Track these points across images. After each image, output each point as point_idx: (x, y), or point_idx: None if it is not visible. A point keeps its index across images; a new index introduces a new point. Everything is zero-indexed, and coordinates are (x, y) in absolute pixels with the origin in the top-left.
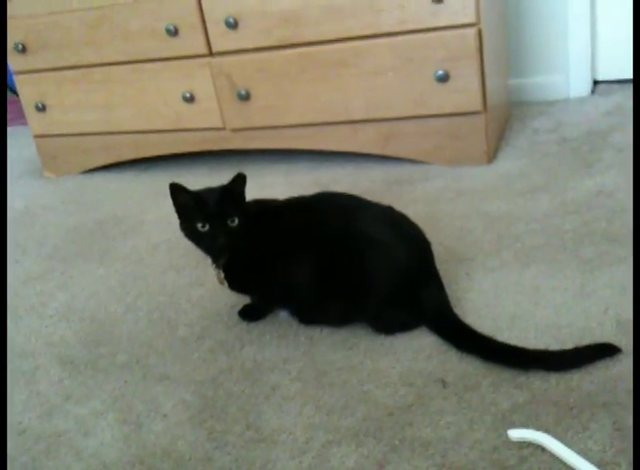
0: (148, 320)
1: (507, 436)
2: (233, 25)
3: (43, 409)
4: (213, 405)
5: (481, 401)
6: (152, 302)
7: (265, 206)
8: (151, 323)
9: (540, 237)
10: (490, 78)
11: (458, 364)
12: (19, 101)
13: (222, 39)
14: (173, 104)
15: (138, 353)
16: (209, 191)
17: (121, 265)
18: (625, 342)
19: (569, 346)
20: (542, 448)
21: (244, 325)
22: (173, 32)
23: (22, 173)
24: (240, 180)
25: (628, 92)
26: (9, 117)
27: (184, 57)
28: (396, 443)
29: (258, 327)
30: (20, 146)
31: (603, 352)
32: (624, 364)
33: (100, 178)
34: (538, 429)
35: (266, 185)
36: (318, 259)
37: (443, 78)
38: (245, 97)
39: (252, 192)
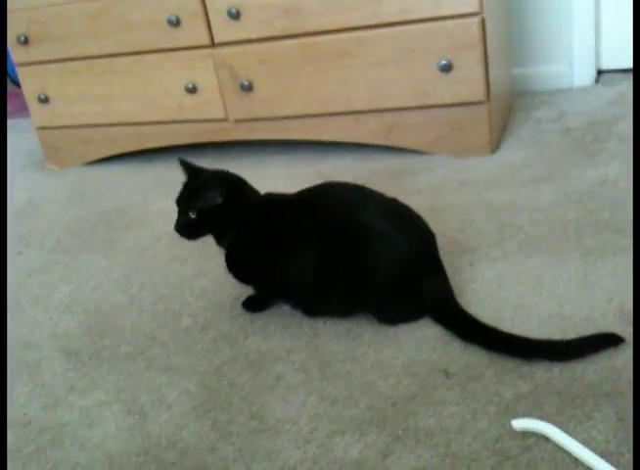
0: (151, 312)
1: (510, 426)
2: (235, 16)
3: (47, 401)
4: (217, 396)
5: (485, 392)
6: (155, 293)
7: (269, 197)
8: (154, 314)
9: (543, 227)
10: (493, 68)
11: (461, 355)
12: (21, 93)
13: (224, 30)
14: (176, 95)
15: (142, 345)
16: (202, 172)
17: (125, 257)
18: (629, 332)
19: (572, 336)
20: (546, 438)
21: (247, 316)
22: (175, 23)
23: (24, 166)
24: (208, 187)
25: (632, 82)
26: (11, 109)
27: (186, 48)
28: (400, 433)
29: (262, 318)
30: (22, 138)
31: (606, 342)
32: (628, 354)
33: (103, 170)
34: (542, 419)
35: (268, 176)
36: (321, 250)
37: (446, 68)
38: (247, 88)
39: (255, 183)
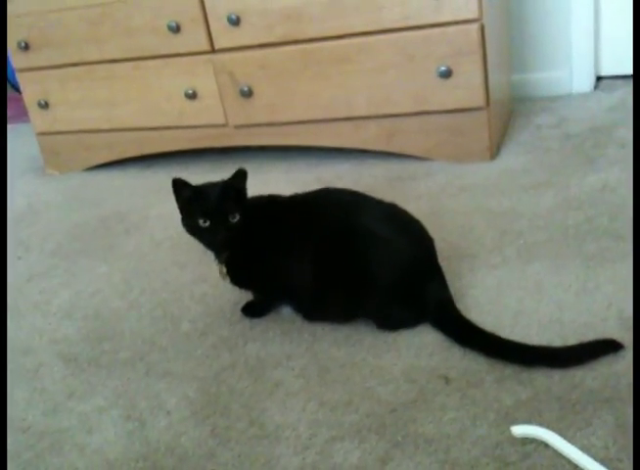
0: (151, 317)
1: (510, 432)
2: (235, 22)
3: (47, 406)
4: (216, 402)
5: (485, 398)
6: (155, 298)
7: (268, 201)
8: (154, 320)
9: (543, 233)
10: (493, 74)
11: (461, 361)
12: (21, 98)
13: (224, 36)
14: (176, 101)
15: (141, 350)
16: (211, 186)
17: (125, 262)
18: (628, 338)
19: (572, 342)
20: (545, 445)
21: (247, 322)
22: (175, 29)
23: (24, 171)
24: (241, 176)
25: (631, 88)
26: (11, 114)
27: (186, 54)
28: (399, 439)
29: (261, 324)
30: (22, 143)
31: (606, 348)
32: (627, 360)
33: (103, 175)
34: (541, 425)
35: (269, 182)
36: (320, 256)
37: (446, 74)
38: (247, 94)
39: (255, 188)
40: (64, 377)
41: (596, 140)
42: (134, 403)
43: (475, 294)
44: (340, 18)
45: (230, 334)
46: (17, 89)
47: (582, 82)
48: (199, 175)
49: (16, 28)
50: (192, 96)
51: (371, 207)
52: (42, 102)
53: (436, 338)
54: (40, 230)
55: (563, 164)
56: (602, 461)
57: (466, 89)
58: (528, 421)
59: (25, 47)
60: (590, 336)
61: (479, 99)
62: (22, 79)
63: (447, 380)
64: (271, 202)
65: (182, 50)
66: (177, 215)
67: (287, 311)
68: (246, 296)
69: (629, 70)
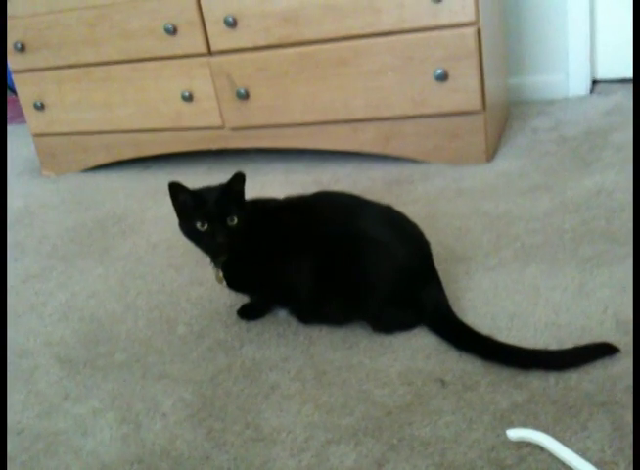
0: (147, 319)
1: (506, 435)
2: (232, 24)
3: (42, 409)
4: (212, 404)
5: (480, 401)
6: (151, 301)
7: (264, 205)
8: (150, 322)
9: (540, 236)
10: (489, 78)
11: (457, 364)
12: (17, 100)
13: (221, 38)
14: (173, 103)
15: (137, 352)
16: (209, 190)
17: (121, 264)
18: (624, 341)
19: (568, 345)
20: (541, 448)
21: (243, 324)
22: (172, 31)
23: (21, 172)
24: (239, 179)
25: (627, 91)
26: (8, 115)
27: (183, 56)
28: (395, 442)
29: (257, 326)
30: (18, 145)
31: (602, 351)
32: (623, 364)
33: (99, 177)
34: (537, 428)
35: (266, 184)
36: (317, 259)
37: (443, 78)
38: (244, 96)
39: (252, 191)
40: (59, 379)
41: (592, 143)
42: (130, 406)
43: (471, 297)
44: (337, 20)
45: (226, 336)
46: (13, 91)
47: (578, 86)
48: (196, 178)
49: (12, 30)
50: (189, 98)
51: (368, 210)
52: (38, 103)
53: (432, 341)
54: (36, 232)
55: (559, 167)
56: (598, 464)
57: (463, 92)
58: (524, 424)
59: (22, 48)
60: (586, 339)
61: (475, 102)
62: (17, 81)
63: (443, 383)
64: (269, 205)
65: (179, 52)
66: (174, 218)
67: (283, 314)
68: (242, 298)
69: (625, 73)
